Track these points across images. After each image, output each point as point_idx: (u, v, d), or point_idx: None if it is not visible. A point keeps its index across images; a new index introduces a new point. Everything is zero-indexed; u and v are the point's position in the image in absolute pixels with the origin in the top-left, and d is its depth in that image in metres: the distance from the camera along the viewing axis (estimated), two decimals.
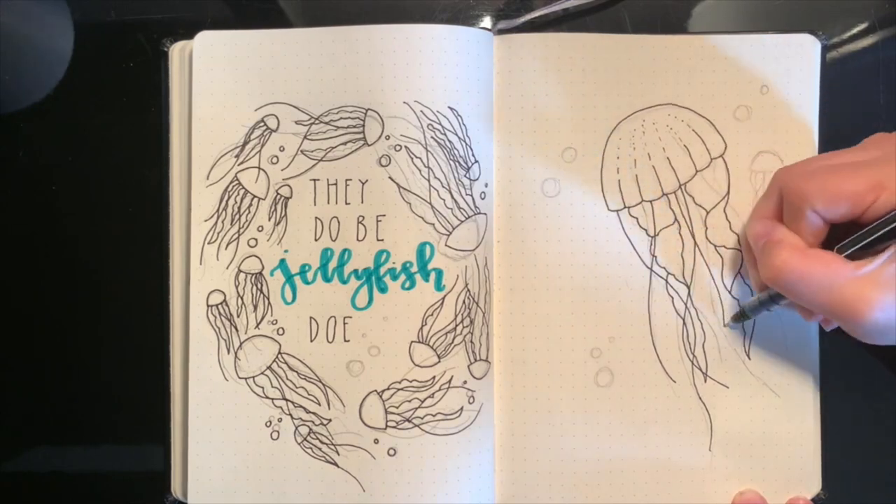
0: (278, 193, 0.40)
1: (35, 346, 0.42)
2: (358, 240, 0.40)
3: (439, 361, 0.39)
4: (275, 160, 0.40)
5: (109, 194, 0.42)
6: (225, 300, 0.40)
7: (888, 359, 0.41)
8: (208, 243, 0.40)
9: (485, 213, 0.40)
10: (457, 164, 0.39)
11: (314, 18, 0.42)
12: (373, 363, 0.40)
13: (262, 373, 0.40)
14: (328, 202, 0.40)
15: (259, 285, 0.40)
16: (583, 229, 0.40)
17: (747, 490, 0.40)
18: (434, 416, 0.39)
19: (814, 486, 0.40)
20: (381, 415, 0.40)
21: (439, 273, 0.39)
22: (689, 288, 0.40)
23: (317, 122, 0.40)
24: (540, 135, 0.40)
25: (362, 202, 0.40)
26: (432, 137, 0.39)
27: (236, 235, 0.40)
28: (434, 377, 0.39)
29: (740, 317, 0.39)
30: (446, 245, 0.39)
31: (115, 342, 0.42)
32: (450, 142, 0.39)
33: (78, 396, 0.42)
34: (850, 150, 0.35)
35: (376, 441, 0.40)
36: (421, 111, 0.39)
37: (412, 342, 0.39)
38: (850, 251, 0.33)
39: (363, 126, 0.40)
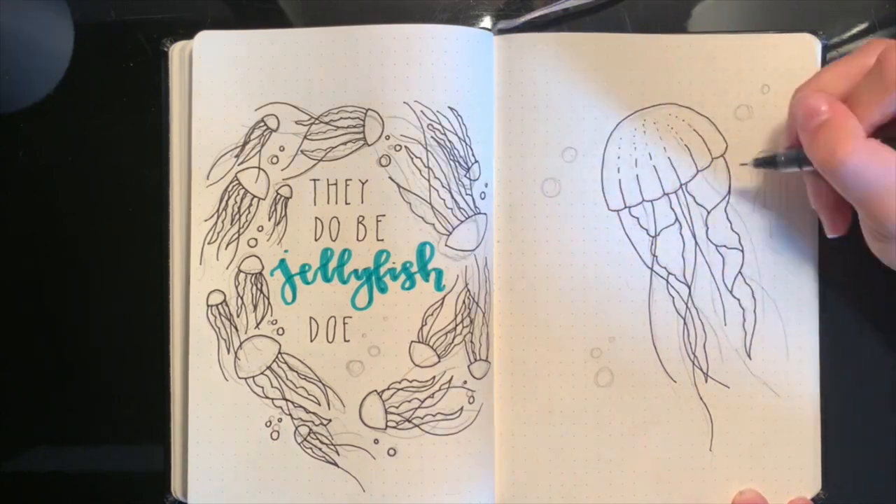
0: (278, 193, 0.40)
1: (35, 346, 0.42)
2: (358, 240, 0.40)
3: (439, 361, 0.39)
4: (275, 160, 0.40)
5: (109, 194, 0.42)
6: (225, 300, 0.40)
7: (888, 359, 0.41)
8: (208, 243, 0.40)
9: (485, 213, 0.40)
10: (457, 164, 0.39)
11: (314, 18, 0.42)
12: (373, 363, 0.40)
13: (262, 373, 0.40)
14: (328, 202, 0.40)
15: (259, 285, 0.40)
16: (583, 229, 0.40)
17: (747, 490, 0.40)
18: (434, 416, 0.39)
19: (814, 486, 0.40)
20: (381, 415, 0.40)
21: (439, 273, 0.39)
22: (689, 288, 0.40)
23: (317, 122, 0.40)
24: (540, 135, 0.40)
25: (362, 202, 0.40)
26: (432, 137, 0.39)
27: (236, 235, 0.40)
28: (434, 377, 0.39)
29: (767, 163, 0.38)
30: (446, 245, 0.39)
31: (115, 342, 0.42)
32: (450, 142, 0.39)
33: (78, 396, 0.42)
34: None
35: (376, 441, 0.40)
36: (421, 111, 0.39)
37: (412, 342, 0.39)
38: None
39: (363, 126, 0.40)
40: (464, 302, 0.39)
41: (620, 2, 0.41)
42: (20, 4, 0.42)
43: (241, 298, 0.40)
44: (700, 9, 0.42)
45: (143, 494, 0.42)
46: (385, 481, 0.39)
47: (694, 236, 0.40)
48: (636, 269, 0.40)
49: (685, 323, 0.40)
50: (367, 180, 0.40)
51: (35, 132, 0.42)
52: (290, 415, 0.40)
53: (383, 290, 0.40)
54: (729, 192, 0.40)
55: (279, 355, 0.40)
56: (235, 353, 0.40)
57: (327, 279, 0.40)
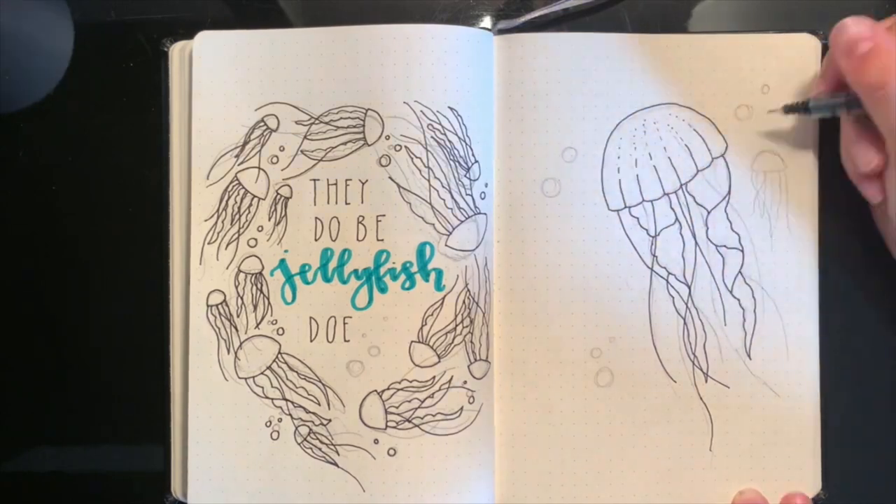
0: (278, 193, 0.40)
1: (35, 346, 0.42)
2: (358, 240, 0.40)
3: (439, 361, 0.39)
4: (275, 160, 0.40)
5: (109, 194, 0.42)
6: (225, 300, 0.40)
7: (888, 359, 0.41)
8: (208, 243, 0.40)
9: (485, 213, 0.40)
10: (457, 164, 0.39)
11: (314, 18, 0.42)
12: (373, 363, 0.40)
13: (262, 373, 0.40)
14: (328, 202, 0.40)
15: (259, 285, 0.40)
16: (583, 229, 0.40)
17: (747, 489, 0.40)
18: (434, 416, 0.39)
19: (814, 486, 0.40)
20: (381, 415, 0.40)
21: (439, 273, 0.39)
22: (689, 288, 0.40)
23: (317, 122, 0.40)
24: (540, 135, 0.40)
25: (362, 202, 0.40)
26: (432, 137, 0.39)
27: (236, 235, 0.40)
28: (434, 377, 0.39)
29: (799, 109, 0.38)
30: (446, 245, 0.39)
31: (115, 342, 0.42)
32: (450, 142, 0.39)
33: (78, 396, 0.42)
34: None
35: (376, 441, 0.40)
36: (421, 111, 0.39)
37: (412, 342, 0.39)
38: None
39: (363, 126, 0.40)
40: (464, 302, 0.39)
41: (620, 2, 0.41)
42: (20, 4, 0.42)
43: (241, 298, 0.40)
44: (700, 9, 0.42)
45: (143, 494, 0.42)
46: (385, 481, 0.39)
47: (694, 236, 0.40)
48: (636, 269, 0.40)
49: (685, 323, 0.40)
50: (367, 180, 0.40)
51: (35, 132, 0.42)
52: (290, 415, 0.40)
53: (383, 290, 0.40)
54: (729, 192, 0.40)
55: (279, 355, 0.40)
56: (235, 353, 0.40)
57: (327, 279, 0.40)
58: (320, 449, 0.40)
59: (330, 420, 0.40)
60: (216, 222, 0.40)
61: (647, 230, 0.40)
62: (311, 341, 0.40)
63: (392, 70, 0.39)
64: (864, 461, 0.41)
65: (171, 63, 0.41)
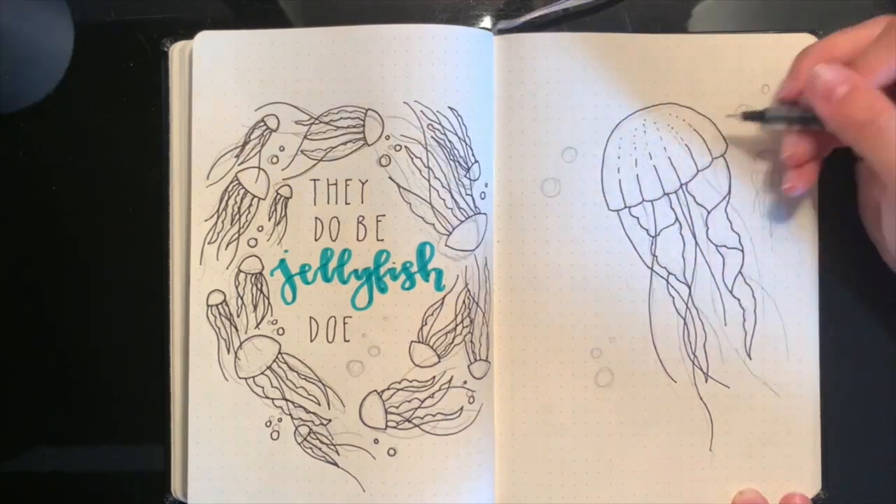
0: (278, 193, 0.40)
1: (35, 346, 0.42)
2: (358, 240, 0.40)
3: (439, 361, 0.39)
4: (275, 160, 0.40)
5: (109, 194, 0.42)
6: (225, 300, 0.40)
7: (888, 359, 0.41)
8: (208, 243, 0.40)
9: (485, 213, 0.40)
10: (457, 164, 0.39)
11: (314, 18, 0.42)
12: (373, 363, 0.40)
13: (262, 373, 0.40)
14: (328, 202, 0.40)
15: (259, 285, 0.40)
16: (583, 229, 0.40)
17: (747, 489, 0.40)
18: (434, 416, 0.39)
19: (814, 486, 0.40)
20: (381, 415, 0.40)
21: (439, 273, 0.39)
22: (689, 288, 0.40)
23: (317, 122, 0.40)
24: (540, 135, 0.40)
25: (362, 202, 0.40)
26: (432, 137, 0.39)
27: (236, 235, 0.40)
28: (434, 377, 0.39)
29: (757, 117, 0.39)
30: (446, 245, 0.39)
31: (115, 342, 0.42)
32: (450, 142, 0.39)
33: (78, 396, 0.42)
34: None
35: (376, 441, 0.40)
36: (421, 111, 0.39)
37: (412, 342, 0.39)
38: None
39: (363, 126, 0.40)
40: (464, 302, 0.39)
41: (620, 2, 0.41)
42: (20, 4, 0.42)
43: (241, 298, 0.40)
44: (700, 9, 0.42)
45: (143, 494, 0.42)
46: (385, 481, 0.39)
47: (694, 236, 0.40)
48: (636, 269, 0.40)
49: (685, 323, 0.40)
50: (367, 180, 0.40)
51: (35, 132, 0.42)
52: (290, 415, 0.40)
53: (383, 290, 0.40)
54: (729, 192, 0.40)
55: (279, 355, 0.40)
56: (235, 353, 0.40)
57: (327, 279, 0.40)
58: (320, 449, 0.40)
59: (330, 420, 0.40)
60: (216, 222, 0.40)
61: (647, 230, 0.40)
62: (311, 341, 0.40)
63: (392, 70, 0.39)
64: (863, 461, 0.41)
65: (171, 63, 0.41)
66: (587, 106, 0.40)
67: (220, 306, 0.40)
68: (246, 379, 0.40)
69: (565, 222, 0.40)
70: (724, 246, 0.40)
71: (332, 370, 0.40)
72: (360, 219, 0.40)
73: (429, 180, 0.39)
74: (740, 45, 0.40)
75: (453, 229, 0.39)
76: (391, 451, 0.39)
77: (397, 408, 0.39)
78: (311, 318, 0.40)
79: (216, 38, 0.40)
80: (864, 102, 0.34)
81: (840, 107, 0.34)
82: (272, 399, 0.40)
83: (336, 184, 0.40)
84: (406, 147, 0.39)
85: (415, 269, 0.39)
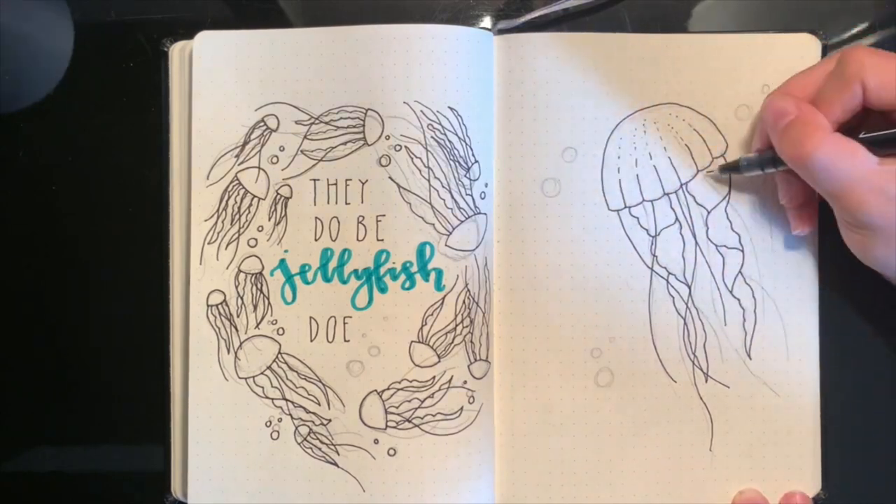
0: (278, 193, 0.40)
1: (35, 346, 0.42)
2: (358, 240, 0.40)
3: (439, 361, 0.39)
4: (275, 160, 0.40)
5: (109, 194, 0.42)
6: (225, 300, 0.40)
7: (888, 359, 0.41)
8: (208, 243, 0.40)
9: (485, 213, 0.40)
10: (457, 164, 0.39)
11: (314, 18, 0.42)
12: (373, 363, 0.40)
13: (262, 373, 0.40)
14: (328, 202, 0.40)
15: (259, 285, 0.40)
16: (583, 229, 0.40)
17: (748, 489, 0.40)
18: (434, 416, 0.39)
19: (814, 486, 0.40)
20: (381, 415, 0.40)
21: (439, 273, 0.39)
22: (689, 288, 0.40)
23: (317, 121, 0.40)
24: (540, 135, 0.40)
25: (362, 202, 0.40)
26: (432, 137, 0.39)
27: (236, 235, 0.40)
28: (434, 377, 0.39)
29: (732, 169, 0.39)
30: (446, 245, 0.39)
31: (115, 342, 0.42)
32: (450, 142, 0.39)
33: (78, 396, 0.42)
34: None
35: (376, 441, 0.40)
36: (421, 111, 0.39)
37: (412, 342, 0.39)
38: (874, 137, 0.34)
39: (363, 126, 0.40)
40: (464, 302, 0.39)
41: (620, 2, 0.41)
42: (20, 4, 0.42)
43: (241, 298, 0.40)
44: (700, 9, 0.42)
45: (143, 494, 0.42)
46: (385, 481, 0.39)
47: (694, 236, 0.40)
48: (636, 269, 0.40)
49: (685, 323, 0.40)
50: (367, 180, 0.40)
51: (35, 132, 0.42)
52: (290, 415, 0.40)
53: (383, 290, 0.40)
54: (729, 192, 0.40)
55: (279, 355, 0.40)
56: (235, 353, 0.40)
57: (327, 279, 0.40)
58: (320, 449, 0.40)
59: (330, 420, 0.40)
60: (216, 222, 0.40)
61: (647, 230, 0.40)
62: (311, 341, 0.40)
63: (392, 70, 0.39)
64: (864, 461, 0.41)
65: (171, 63, 0.41)
66: (587, 106, 0.40)
67: (220, 306, 0.40)
68: (246, 379, 0.40)
69: (565, 222, 0.40)
70: (724, 246, 0.40)
71: (332, 370, 0.40)
72: (360, 219, 0.40)
73: (429, 180, 0.39)
74: (740, 45, 0.40)
75: (453, 229, 0.39)
76: (391, 451, 0.39)
77: (397, 408, 0.39)
78: (311, 318, 0.40)
79: (216, 38, 0.40)
80: (798, 134, 0.34)
81: (781, 138, 0.35)
82: (272, 399, 0.40)
83: (336, 184, 0.40)
84: (406, 147, 0.39)
85: (415, 269, 0.39)
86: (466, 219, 0.39)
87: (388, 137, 0.39)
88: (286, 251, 0.40)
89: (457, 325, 0.39)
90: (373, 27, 0.39)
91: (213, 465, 0.40)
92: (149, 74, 0.42)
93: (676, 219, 0.40)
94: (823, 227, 0.40)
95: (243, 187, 0.40)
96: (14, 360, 0.42)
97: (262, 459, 0.40)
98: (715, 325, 0.40)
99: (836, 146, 0.34)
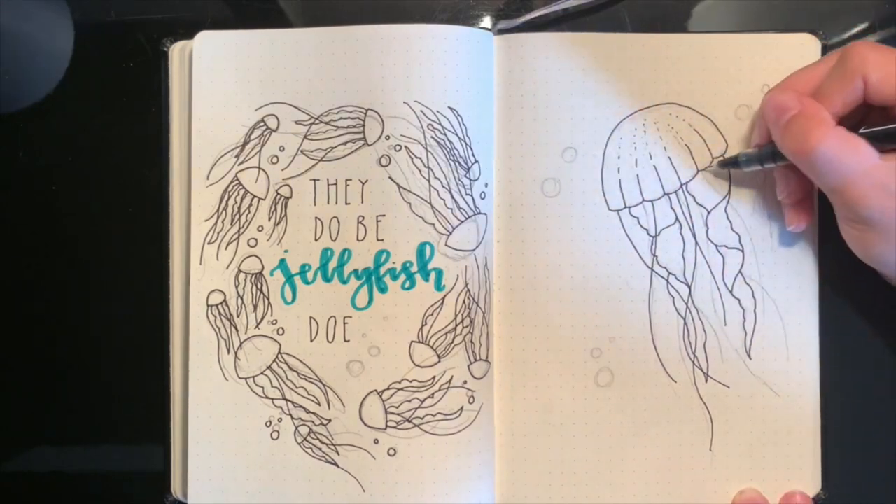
0: (278, 193, 0.40)
1: (35, 346, 0.42)
2: (358, 240, 0.40)
3: (439, 361, 0.39)
4: (275, 160, 0.40)
5: (109, 194, 0.42)
6: (225, 300, 0.40)
7: (888, 359, 0.41)
8: (208, 243, 0.40)
9: (485, 213, 0.40)
10: (457, 164, 0.39)
11: (314, 18, 0.42)
12: (373, 363, 0.40)
13: (262, 373, 0.40)
14: (328, 202, 0.40)
15: (259, 285, 0.40)
16: (583, 229, 0.40)
17: (748, 489, 0.40)
18: (434, 416, 0.39)
19: (814, 486, 0.40)
20: (381, 415, 0.40)
21: (439, 273, 0.39)
22: (689, 288, 0.40)
23: (317, 121, 0.40)
24: (540, 135, 0.40)
25: (362, 202, 0.40)
26: (432, 137, 0.39)
27: (236, 235, 0.40)
28: (434, 377, 0.39)
29: (732, 164, 0.39)
30: (446, 245, 0.39)
31: (115, 342, 0.42)
32: (450, 142, 0.39)
33: (78, 396, 0.42)
34: None
35: (376, 441, 0.40)
36: (421, 111, 0.39)
37: (412, 342, 0.39)
38: (876, 132, 0.34)
39: (363, 126, 0.40)
40: (464, 302, 0.39)
41: (620, 2, 0.41)
42: (20, 4, 0.42)
43: (241, 298, 0.40)
44: (700, 9, 0.42)
45: (143, 494, 0.42)
46: (385, 481, 0.39)
47: (694, 236, 0.40)
48: (636, 269, 0.40)
49: (685, 323, 0.40)
50: (367, 180, 0.40)
51: (35, 132, 0.42)
52: (290, 415, 0.40)
53: (383, 290, 0.40)
54: (729, 192, 0.40)
55: (279, 355, 0.40)
56: (235, 353, 0.40)
57: (327, 279, 0.40)
58: (320, 449, 0.40)
59: (330, 420, 0.40)
60: (216, 222, 0.40)
61: (647, 230, 0.40)
62: (311, 341, 0.40)
63: (392, 70, 0.39)
64: (864, 461, 0.41)
65: (171, 63, 0.41)
66: (587, 106, 0.40)
67: (220, 306, 0.40)
68: (246, 379, 0.40)
69: (565, 222, 0.40)
70: (724, 246, 0.40)
71: (332, 370, 0.40)
72: (360, 219, 0.40)
73: (429, 180, 0.39)
74: (740, 44, 0.40)
75: (453, 229, 0.39)
76: (391, 451, 0.39)
77: (397, 408, 0.39)
78: (311, 318, 0.40)
79: (216, 38, 0.40)
80: (801, 128, 0.34)
81: (783, 132, 0.35)
82: (272, 399, 0.40)
83: (336, 184, 0.40)
84: (406, 147, 0.39)
85: (415, 269, 0.39)
86: (466, 219, 0.39)
87: (388, 137, 0.39)
88: (286, 251, 0.40)
89: (457, 325, 0.39)
90: (373, 27, 0.39)
91: (213, 465, 0.40)
92: (149, 74, 0.42)
93: (676, 219, 0.40)
94: (823, 226, 0.40)
95: (243, 187, 0.40)
96: (14, 360, 0.42)
97: (262, 459, 0.40)
98: (715, 325, 0.40)
99: (839, 140, 0.34)
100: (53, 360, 0.42)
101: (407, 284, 0.39)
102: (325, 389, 0.40)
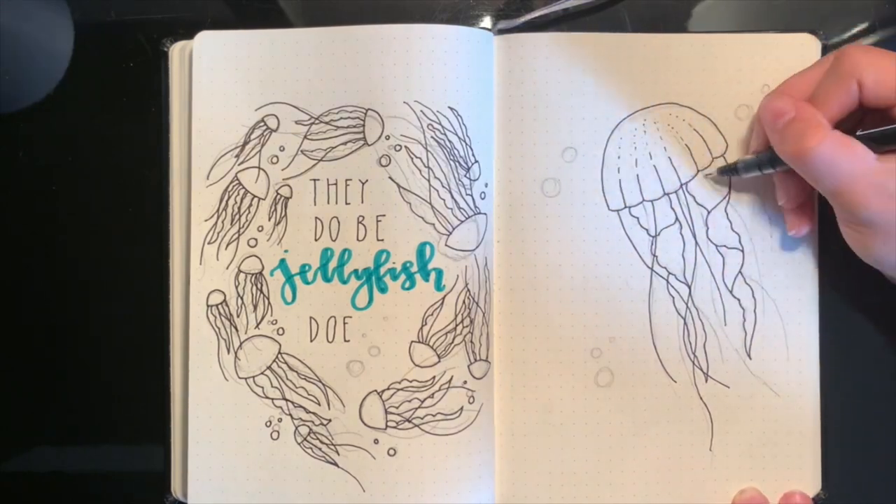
0: (278, 193, 0.40)
1: (35, 346, 0.42)
2: (358, 240, 0.40)
3: (439, 361, 0.39)
4: (275, 160, 0.40)
5: (109, 194, 0.42)
6: (225, 300, 0.40)
7: (888, 359, 0.41)
8: (208, 243, 0.40)
9: (485, 213, 0.40)
10: (457, 164, 0.39)
11: (314, 18, 0.42)
12: (373, 363, 0.40)
13: (262, 373, 0.40)
14: (328, 202, 0.40)
15: (259, 285, 0.40)
16: (583, 229, 0.40)
17: (748, 488, 0.40)
18: (434, 416, 0.39)
19: (814, 486, 0.40)
20: (381, 415, 0.40)
21: (439, 273, 0.39)
22: (689, 288, 0.40)
23: (317, 121, 0.40)
24: (540, 135, 0.40)
25: (362, 202, 0.40)
26: (432, 137, 0.39)
27: (236, 235, 0.40)
28: (434, 377, 0.39)
29: (731, 171, 0.39)
30: (446, 245, 0.39)
31: (116, 342, 0.42)
32: (450, 142, 0.39)
33: (78, 396, 0.42)
34: None
35: (376, 441, 0.40)
36: (421, 111, 0.39)
37: (412, 342, 0.39)
38: (872, 134, 0.34)
39: (363, 126, 0.40)
40: (464, 302, 0.39)
41: (620, 2, 0.41)
42: (20, 4, 0.42)
43: (241, 298, 0.40)
44: (700, 9, 0.42)
45: (143, 494, 0.42)
46: (385, 481, 0.39)
47: (694, 236, 0.40)
48: (636, 268, 0.40)
49: (685, 323, 0.40)
50: (367, 180, 0.40)
51: (35, 132, 0.42)
52: (290, 415, 0.40)
53: (383, 290, 0.40)
54: (729, 192, 0.40)
55: (279, 355, 0.40)
56: (235, 353, 0.40)
57: (327, 279, 0.40)
58: (320, 449, 0.40)
59: (330, 420, 0.40)
60: (216, 222, 0.40)
61: (647, 230, 0.40)
62: (311, 341, 0.40)
63: (392, 70, 0.39)
64: (864, 461, 0.41)
65: (171, 63, 0.41)
66: (587, 106, 0.40)
67: (220, 306, 0.40)
68: (246, 379, 0.40)
69: (565, 222, 0.40)
70: (724, 246, 0.40)
71: (332, 370, 0.40)
72: (360, 219, 0.40)
73: (429, 180, 0.39)
74: (740, 44, 0.40)
75: (453, 229, 0.39)
76: (391, 451, 0.39)
77: (397, 408, 0.39)
78: (311, 318, 0.40)
79: (216, 38, 0.40)
80: (797, 132, 0.34)
81: (780, 137, 0.35)
82: (272, 399, 0.40)
83: (336, 184, 0.40)
84: (406, 147, 0.39)
85: (415, 269, 0.39)
86: (466, 219, 0.39)
87: (388, 137, 0.39)
88: (286, 251, 0.40)
89: (457, 325, 0.39)
90: (373, 27, 0.39)
91: (213, 465, 0.40)
92: (149, 74, 0.42)
93: (676, 219, 0.40)
94: (824, 227, 0.40)
95: (243, 187, 0.40)
96: (14, 360, 0.42)
97: (262, 459, 0.40)
98: (715, 325, 0.40)
99: (836, 143, 0.34)
100: (53, 360, 0.42)
101: (407, 284, 0.39)
102: (325, 389, 0.40)
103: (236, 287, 0.40)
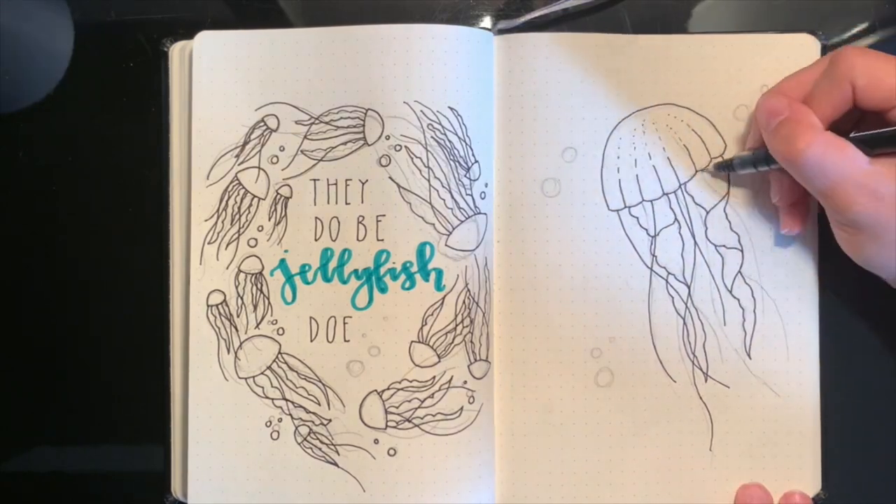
0: (278, 193, 0.40)
1: (35, 346, 0.42)
2: (358, 240, 0.40)
3: (439, 361, 0.39)
4: (275, 160, 0.40)
5: (109, 194, 0.42)
6: (225, 300, 0.40)
7: (888, 359, 0.41)
8: (208, 243, 0.40)
9: (485, 213, 0.40)
10: (457, 164, 0.39)
11: (314, 18, 0.42)
12: (373, 363, 0.40)
13: (262, 373, 0.40)
14: (328, 202, 0.40)
15: (259, 285, 0.40)
16: (583, 229, 0.40)
17: (751, 483, 0.40)
18: (434, 416, 0.39)
19: (814, 486, 0.40)
20: (381, 415, 0.40)
21: (439, 273, 0.39)
22: (689, 288, 0.40)
23: (317, 121, 0.40)
24: (540, 135, 0.40)
25: (362, 202, 0.40)
26: (432, 137, 0.39)
27: (236, 235, 0.40)
28: (434, 377, 0.39)
29: (726, 167, 0.40)
30: (446, 245, 0.39)
31: (116, 342, 0.42)
32: (450, 142, 0.39)
33: (78, 396, 0.42)
34: None
35: (376, 441, 0.40)
36: (421, 111, 0.39)
37: (412, 342, 0.39)
38: (865, 137, 0.34)
39: (363, 126, 0.40)
40: (464, 302, 0.39)
41: (620, 2, 0.41)
42: (20, 4, 0.42)
43: (241, 298, 0.40)
44: (700, 9, 0.42)
45: (143, 494, 0.42)
46: (385, 481, 0.39)
47: (693, 236, 0.40)
48: (636, 268, 0.40)
49: (685, 323, 0.40)
50: (367, 180, 0.40)
51: (35, 132, 0.42)
52: (290, 415, 0.40)
53: (383, 290, 0.40)
54: (728, 192, 0.40)
55: (279, 355, 0.40)
56: (235, 353, 0.40)
57: (327, 279, 0.40)
58: (320, 449, 0.40)
59: (330, 420, 0.40)
60: (216, 222, 0.40)
61: (646, 230, 0.40)
62: (311, 341, 0.40)
63: (392, 70, 0.39)
64: (864, 461, 0.41)
65: (171, 63, 0.41)
66: (587, 106, 0.40)
67: (220, 306, 0.40)
68: (246, 379, 0.40)
69: (565, 222, 0.40)
70: (724, 246, 0.40)
71: (332, 370, 0.40)
72: (360, 219, 0.40)
73: (429, 180, 0.39)
74: (740, 45, 0.40)
75: (453, 229, 0.39)
76: (391, 451, 0.39)
77: (397, 408, 0.39)
78: (311, 318, 0.40)
79: (216, 38, 0.40)
80: (789, 133, 0.34)
81: (772, 136, 0.35)
82: (272, 399, 0.40)
83: (336, 184, 0.40)
84: (406, 147, 0.39)
85: (415, 269, 0.39)
86: (466, 219, 0.39)
87: (388, 137, 0.39)
88: (286, 251, 0.40)
89: (457, 325, 0.39)
90: (373, 27, 0.39)
91: (213, 465, 0.40)
92: (149, 74, 0.42)
93: (675, 219, 0.40)
94: (823, 226, 0.40)
95: (243, 187, 0.40)
96: (14, 360, 0.42)
97: (262, 459, 0.40)
98: (714, 325, 0.40)
99: (826, 145, 0.34)
100: (53, 360, 0.42)
101: (407, 284, 0.40)
102: (325, 389, 0.40)
103: (236, 287, 0.40)
